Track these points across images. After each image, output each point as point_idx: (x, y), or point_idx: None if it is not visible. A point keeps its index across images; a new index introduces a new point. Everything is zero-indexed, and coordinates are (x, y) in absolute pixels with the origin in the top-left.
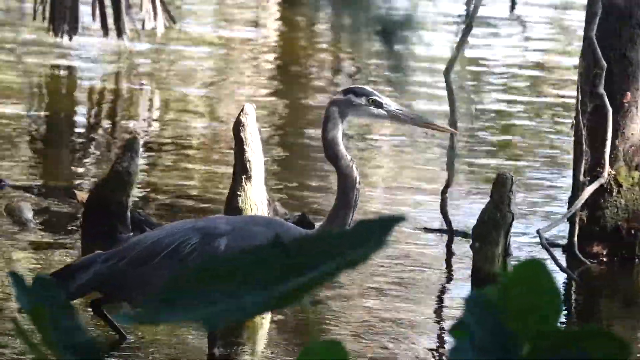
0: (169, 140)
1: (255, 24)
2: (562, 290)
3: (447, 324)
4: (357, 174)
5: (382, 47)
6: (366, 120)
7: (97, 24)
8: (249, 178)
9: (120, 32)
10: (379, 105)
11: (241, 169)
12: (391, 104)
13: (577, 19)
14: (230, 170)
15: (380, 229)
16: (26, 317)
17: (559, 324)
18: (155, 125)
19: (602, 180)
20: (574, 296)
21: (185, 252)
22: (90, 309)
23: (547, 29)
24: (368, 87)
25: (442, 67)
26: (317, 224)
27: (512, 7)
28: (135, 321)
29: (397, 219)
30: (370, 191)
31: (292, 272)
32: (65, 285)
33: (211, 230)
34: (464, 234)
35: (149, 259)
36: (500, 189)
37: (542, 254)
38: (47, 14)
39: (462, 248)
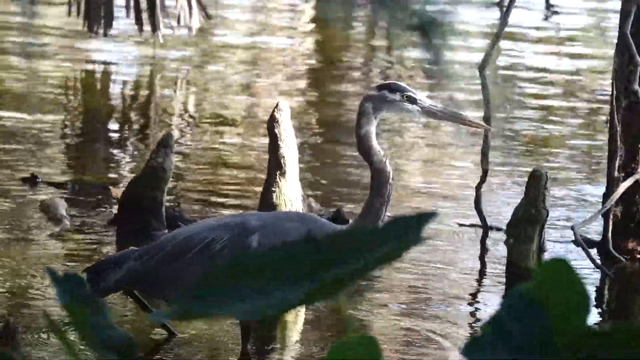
0: (203, 136)
1: (290, 23)
2: (594, 287)
3: (480, 321)
4: (390, 169)
5: (420, 41)
6: (400, 116)
7: (132, 19)
8: (283, 174)
9: (154, 28)
10: (413, 101)
11: (275, 164)
12: (425, 100)
13: (614, 21)
14: (265, 166)
15: (414, 225)
16: (62, 313)
17: (587, 322)
18: (191, 121)
19: (636, 176)
20: (607, 293)
21: (216, 249)
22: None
23: (582, 25)
24: (402, 83)
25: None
26: (352, 220)
27: (548, 10)
28: (169, 318)
29: (431, 215)
30: (404, 187)
31: (325, 268)
32: (98, 282)
33: (243, 227)
34: (498, 230)
35: (181, 256)
36: (535, 185)
37: (577, 251)
38: (82, 10)
39: (497, 244)
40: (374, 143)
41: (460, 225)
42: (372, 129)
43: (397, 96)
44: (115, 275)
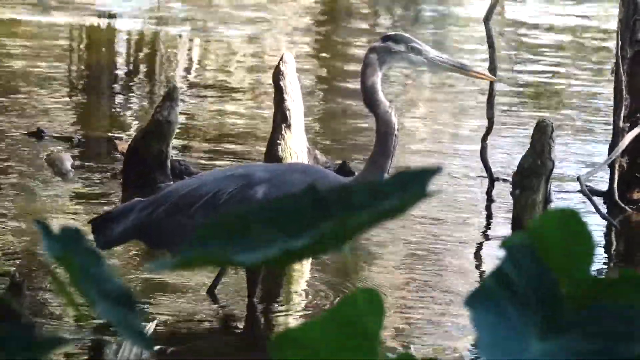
0: (209, 88)
1: None
2: (600, 237)
3: (485, 272)
4: (395, 120)
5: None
6: (405, 67)
7: None
8: (288, 126)
9: None
10: (418, 52)
11: (281, 117)
12: (430, 51)
13: None
14: (271, 118)
15: (418, 179)
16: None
17: (591, 271)
18: (196, 73)
19: None
20: (614, 243)
21: (222, 201)
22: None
23: None
24: (407, 34)
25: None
26: (357, 172)
27: None
28: (168, 267)
29: (435, 170)
30: (409, 139)
31: (328, 220)
32: (104, 233)
33: (248, 178)
34: (505, 181)
35: (185, 208)
36: (541, 136)
37: (583, 201)
38: None
39: (503, 195)
40: (380, 94)
41: (466, 177)
42: (378, 80)
43: (402, 47)
44: (120, 226)
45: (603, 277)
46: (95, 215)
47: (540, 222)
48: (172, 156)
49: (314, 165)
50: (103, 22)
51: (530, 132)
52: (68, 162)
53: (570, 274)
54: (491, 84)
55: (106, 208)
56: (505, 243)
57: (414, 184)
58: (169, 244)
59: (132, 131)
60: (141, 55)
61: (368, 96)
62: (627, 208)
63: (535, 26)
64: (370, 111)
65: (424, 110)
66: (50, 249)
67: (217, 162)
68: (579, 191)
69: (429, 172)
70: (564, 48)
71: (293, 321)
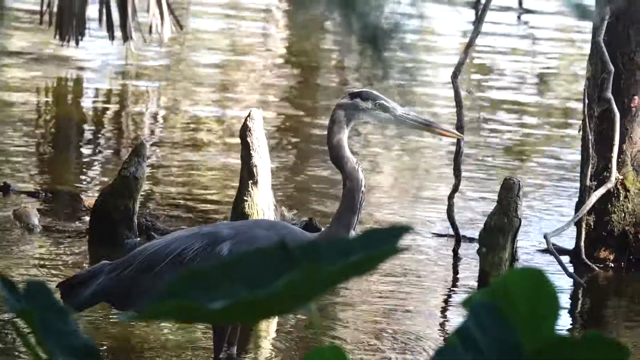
0: (176, 144)
1: (264, 29)
2: (567, 296)
3: (452, 330)
4: (362, 177)
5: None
6: (372, 124)
7: (104, 30)
8: (255, 183)
9: (126, 37)
10: (385, 109)
11: (248, 173)
12: (398, 108)
13: (587, 26)
14: (238, 174)
15: (389, 236)
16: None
17: (557, 331)
18: (163, 130)
19: (609, 185)
20: (580, 302)
21: (187, 258)
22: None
23: (556, 35)
24: (375, 91)
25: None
26: (323, 229)
27: (519, 16)
28: (137, 318)
29: (405, 229)
30: (377, 197)
31: (296, 276)
32: (72, 297)
33: (214, 236)
34: (471, 239)
35: (153, 267)
36: (507, 194)
37: (550, 259)
38: (54, 20)
39: (469, 253)
40: (346, 151)
41: (434, 235)
42: (344, 137)
43: (370, 104)
44: (89, 289)
45: (568, 337)
46: (62, 273)
47: (505, 280)
48: (138, 212)
49: (280, 221)
50: (72, 75)
51: (497, 189)
52: (35, 217)
53: (535, 333)
54: (458, 141)
55: (73, 264)
56: (469, 301)
57: (385, 241)
58: (137, 304)
59: (99, 186)
60: (110, 109)
61: (335, 153)
62: (593, 266)
63: (503, 80)
64: (337, 167)
65: (390, 167)
66: (11, 304)
67: (185, 217)
68: (545, 249)
69: (400, 230)
70: (531, 105)
71: None
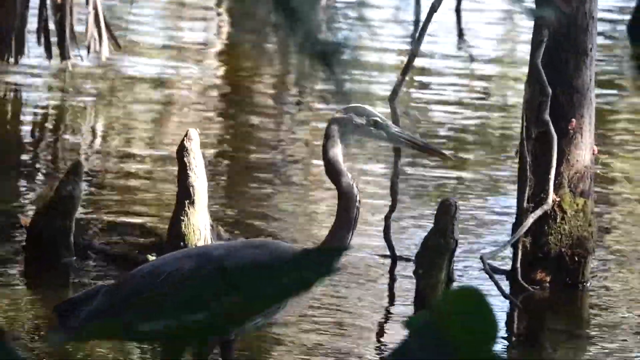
0: (113, 163)
1: (203, 45)
2: (503, 317)
3: (389, 351)
4: (357, 192)
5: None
6: (366, 141)
7: (42, 48)
8: (192, 203)
9: (64, 57)
10: (380, 126)
11: (184, 193)
12: (392, 126)
13: (525, 48)
14: (175, 194)
15: (325, 257)
16: None
17: (496, 350)
18: (100, 148)
19: (546, 207)
20: (516, 323)
21: (178, 279)
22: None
23: (494, 54)
24: (370, 107)
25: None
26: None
27: (460, 36)
28: (69, 339)
29: (342, 249)
30: (314, 216)
31: (234, 297)
32: (68, 319)
33: (206, 256)
34: (407, 260)
35: (145, 288)
36: (444, 216)
37: (486, 281)
38: None
39: (406, 274)
40: (342, 166)
41: (370, 255)
42: (339, 151)
43: (364, 120)
44: (84, 311)
45: (506, 357)
46: None
47: (443, 301)
48: (75, 231)
49: (272, 240)
50: (8, 94)
51: (434, 211)
52: None
53: (474, 354)
54: (395, 162)
55: (9, 282)
56: (409, 322)
57: (321, 262)
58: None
59: (36, 205)
60: (47, 128)
61: (330, 167)
62: (530, 288)
63: (441, 104)
64: (332, 182)
65: (329, 185)
66: None
67: (121, 237)
68: (481, 270)
69: (336, 251)
70: (469, 127)
71: None
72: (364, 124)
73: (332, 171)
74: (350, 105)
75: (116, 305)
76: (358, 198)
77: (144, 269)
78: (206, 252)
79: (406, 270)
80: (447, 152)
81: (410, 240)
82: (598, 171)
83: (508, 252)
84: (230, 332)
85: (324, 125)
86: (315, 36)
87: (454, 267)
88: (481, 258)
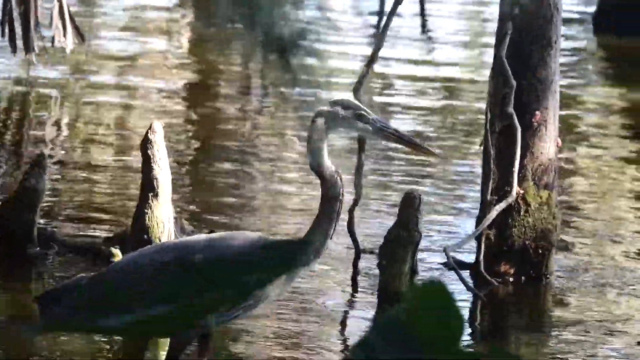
0: (77, 155)
1: (168, 38)
2: (467, 310)
3: (352, 343)
4: (341, 184)
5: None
6: (351, 134)
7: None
8: (155, 195)
9: (28, 49)
10: (365, 120)
11: (148, 186)
12: (378, 120)
13: (491, 39)
14: (139, 187)
15: (287, 251)
16: None
17: (462, 344)
18: (64, 140)
19: (510, 200)
20: (480, 315)
21: (158, 270)
22: None
23: (458, 47)
24: (356, 101)
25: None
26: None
27: (424, 26)
28: (40, 330)
29: (307, 242)
30: (279, 208)
31: (198, 290)
32: (48, 311)
33: (189, 247)
34: (371, 252)
35: (125, 280)
36: (408, 208)
37: (450, 273)
38: None
39: (369, 266)
40: (326, 159)
41: (336, 247)
42: (324, 145)
43: (349, 113)
44: (64, 302)
45: (473, 351)
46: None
47: (409, 294)
48: (38, 224)
49: (255, 233)
50: None
51: (398, 203)
52: None
53: (440, 347)
54: (359, 155)
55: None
56: (374, 316)
57: (283, 256)
58: (109, 317)
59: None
60: (10, 120)
61: (314, 160)
62: (493, 281)
63: (405, 91)
64: (317, 175)
65: (293, 179)
66: None
67: (85, 229)
68: (445, 263)
69: (298, 244)
70: (433, 121)
71: None
72: (350, 118)
73: (316, 164)
74: (336, 98)
75: (94, 299)
76: (342, 192)
77: (123, 261)
78: (188, 243)
79: (370, 262)
80: (433, 151)
81: (374, 233)
82: (562, 164)
83: (473, 244)
84: (207, 324)
85: (291, 115)
86: (274, 29)
87: (418, 260)
88: (445, 251)
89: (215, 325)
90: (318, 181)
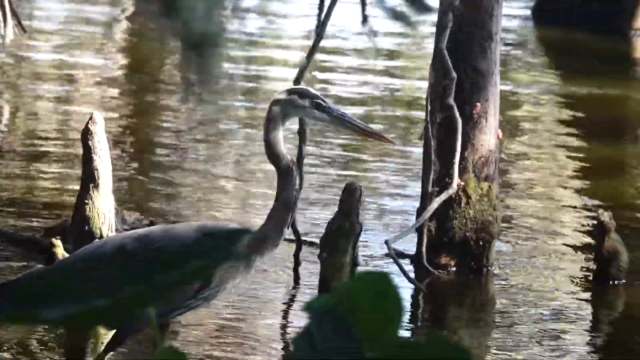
0: (16, 144)
1: (105, 31)
2: (408, 301)
3: (293, 334)
4: (296, 174)
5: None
6: (308, 122)
7: None
8: (96, 186)
9: None
10: (322, 108)
11: (89, 177)
12: (334, 108)
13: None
14: (79, 177)
15: (226, 241)
16: None
17: (401, 334)
18: (3, 131)
19: (451, 191)
20: (421, 307)
21: (119, 257)
22: None
23: (398, 40)
24: (312, 90)
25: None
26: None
27: (364, 19)
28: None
29: (244, 231)
30: (220, 198)
31: (133, 280)
32: (5, 301)
33: (146, 238)
34: (312, 244)
35: (83, 269)
36: (349, 199)
37: (391, 264)
38: None
39: (310, 258)
40: (282, 148)
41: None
42: (280, 133)
43: (307, 102)
44: (21, 292)
45: (411, 340)
46: None
47: (348, 284)
48: None
49: (213, 222)
50: None
51: (339, 194)
52: None
53: (378, 337)
54: (300, 146)
55: None
56: (309, 306)
57: (223, 245)
58: (65, 305)
59: None
60: None
61: (270, 149)
62: (434, 272)
63: (347, 82)
64: (272, 164)
65: (230, 170)
66: None
67: (24, 220)
68: (386, 254)
69: (237, 234)
70: (375, 112)
71: None
72: (307, 106)
73: (272, 153)
74: (292, 87)
75: (37, 291)
76: (297, 181)
77: (82, 251)
78: (147, 233)
79: (311, 253)
80: (389, 138)
81: (315, 223)
82: (503, 156)
83: (413, 236)
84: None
85: (229, 105)
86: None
87: (359, 251)
88: (386, 242)
89: (168, 318)
90: (258, 171)
